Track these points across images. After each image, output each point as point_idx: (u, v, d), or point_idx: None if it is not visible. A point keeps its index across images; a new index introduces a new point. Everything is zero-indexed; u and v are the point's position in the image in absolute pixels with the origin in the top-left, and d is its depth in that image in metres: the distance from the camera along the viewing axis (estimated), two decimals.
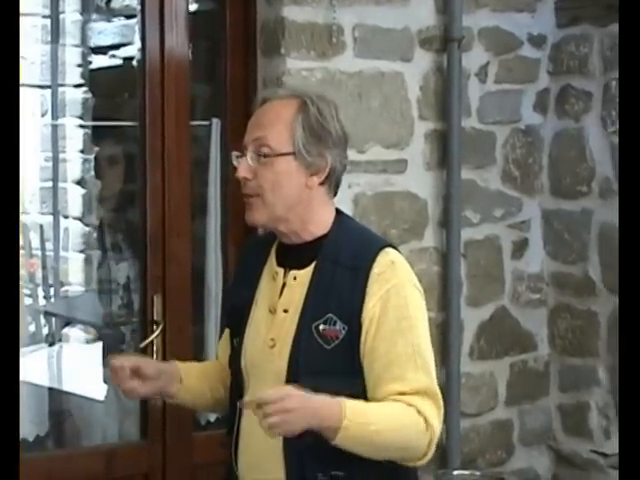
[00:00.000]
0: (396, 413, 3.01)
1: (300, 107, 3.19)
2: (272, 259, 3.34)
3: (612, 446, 5.74)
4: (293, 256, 3.28)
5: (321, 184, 3.21)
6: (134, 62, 5.34)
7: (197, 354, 5.37)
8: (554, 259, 5.93)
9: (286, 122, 3.15)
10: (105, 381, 4.96)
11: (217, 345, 3.71)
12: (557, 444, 6.08)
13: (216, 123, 5.34)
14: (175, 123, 5.16)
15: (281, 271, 3.28)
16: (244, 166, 3.21)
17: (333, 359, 3.13)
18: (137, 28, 5.34)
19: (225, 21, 5.28)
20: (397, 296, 3.11)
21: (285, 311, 3.24)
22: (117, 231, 5.70)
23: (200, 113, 5.50)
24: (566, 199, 5.86)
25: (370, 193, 5.34)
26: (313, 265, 3.25)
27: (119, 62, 5.47)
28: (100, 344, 5.82)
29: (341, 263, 3.22)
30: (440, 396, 3.09)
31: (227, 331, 3.46)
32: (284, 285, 3.27)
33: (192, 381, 3.46)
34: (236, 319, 3.40)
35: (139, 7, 5.21)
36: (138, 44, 5.30)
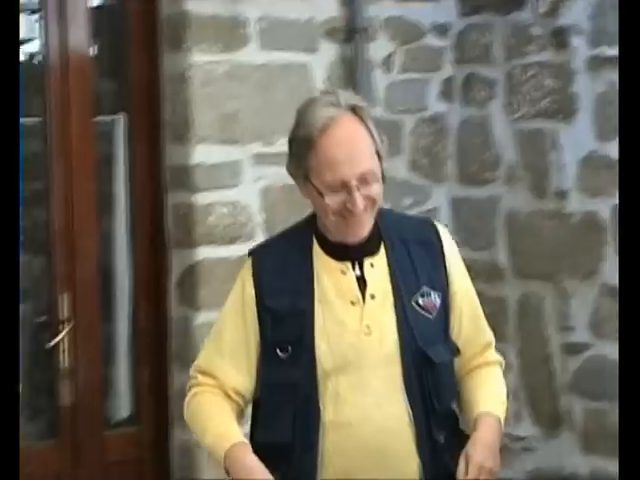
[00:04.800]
0: (499, 383, 3.34)
1: (365, 127, 3.21)
2: (322, 258, 3.30)
3: (524, 429, 5.85)
4: (357, 248, 3.27)
5: None
6: (37, 58, 5.38)
7: (107, 352, 5.41)
8: (463, 246, 5.95)
9: (371, 149, 3.17)
10: None
11: (221, 372, 3.30)
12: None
13: (121, 118, 5.40)
14: (79, 119, 5.21)
15: (349, 264, 3.28)
16: (360, 202, 3.16)
17: (437, 327, 3.25)
18: (39, 24, 5.33)
19: (128, 15, 5.34)
20: (461, 262, 3.36)
21: (372, 297, 3.26)
22: (23, 231, 5.60)
23: (106, 109, 5.48)
24: (473, 186, 5.98)
25: (278, 185, 5.34)
26: (382, 249, 3.30)
27: (22, 58, 5.40)
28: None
29: (408, 240, 3.31)
30: None
31: (248, 352, 3.27)
32: (361, 275, 3.28)
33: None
34: (291, 330, 3.27)
35: (40, 3, 5.23)
36: (41, 40, 5.32)
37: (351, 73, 5.63)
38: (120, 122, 5.41)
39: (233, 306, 3.35)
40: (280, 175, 4.99)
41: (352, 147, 3.16)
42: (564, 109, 5.65)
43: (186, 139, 5.34)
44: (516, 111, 5.81)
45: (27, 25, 5.41)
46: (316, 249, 3.31)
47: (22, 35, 5.43)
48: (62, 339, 5.16)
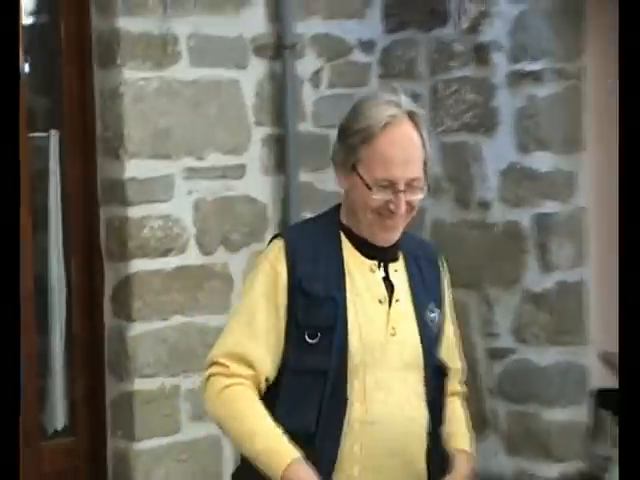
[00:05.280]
0: (466, 417, 3.41)
1: (419, 134, 3.19)
2: (351, 251, 3.26)
3: None
4: (384, 251, 3.26)
5: None
6: None
7: (42, 364, 5.40)
8: None
9: (422, 157, 3.17)
10: None
11: (248, 352, 3.16)
12: None
13: (54, 134, 5.39)
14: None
15: (376, 264, 3.26)
16: (403, 205, 3.17)
17: (437, 342, 3.28)
18: None
19: (60, 33, 5.35)
20: (449, 289, 3.41)
21: (397, 301, 3.26)
22: None
23: (40, 125, 5.48)
24: None
25: (210, 198, 5.48)
26: (402, 258, 3.31)
27: None
28: None
29: (418, 255, 3.34)
30: None
31: (278, 337, 3.15)
32: (386, 277, 3.28)
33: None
34: (323, 317, 3.21)
35: None
36: None
37: (280, 89, 5.71)
38: (53, 138, 5.39)
39: (265, 289, 3.19)
40: (211, 189, 5.53)
41: (407, 150, 3.16)
42: (486, 123, 5.75)
43: (119, 154, 5.34)
44: (440, 125, 5.88)
45: None
46: (344, 241, 3.27)
47: None
48: None
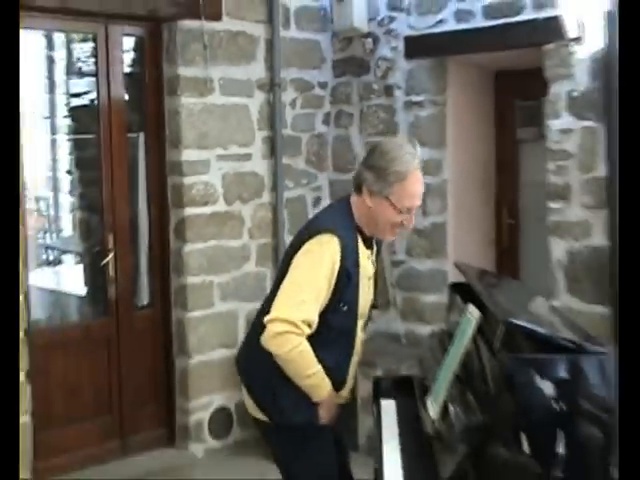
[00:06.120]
0: None
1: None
2: (361, 245, 3.24)
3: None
4: (370, 243, 3.31)
5: None
6: (94, 102, 5.47)
7: (134, 268, 5.66)
8: None
9: None
10: None
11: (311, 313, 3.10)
12: None
13: (141, 135, 5.66)
14: (118, 135, 5.51)
15: (370, 253, 3.31)
16: (412, 221, 3.24)
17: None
18: (95, 82, 5.46)
19: (145, 76, 5.60)
20: None
21: (373, 275, 3.34)
22: (88, 199, 5.81)
23: (133, 129, 5.63)
24: (341, 173, 6.24)
25: (231, 172, 5.76)
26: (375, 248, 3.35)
27: (87, 102, 5.57)
28: (82, 264, 5.99)
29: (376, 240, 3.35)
30: None
31: (322, 300, 3.11)
32: (372, 262, 3.33)
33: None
34: (351, 293, 3.21)
35: (95, 70, 5.42)
36: (95, 93, 5.49)
37: (272, 110, 5.93)
38: (141, 137, 5.65)
39: (326, 272, 3.09)
40: (231, 167, 5.74)
41: (421, 187, 3.18)
42: (391, 131, 5.93)
43: (178, 146, 5.57)
44: (365, 131, 6.10)
45: (88, 83, 5.58)
46: (360, 239, 3.24)
47: (85, 89, 5.60)
48: (109, 260, 5.50)
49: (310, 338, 3.07)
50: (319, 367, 3.12)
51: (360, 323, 3.33)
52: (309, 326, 3.04)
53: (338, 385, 3.28)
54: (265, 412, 3.29)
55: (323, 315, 3.11)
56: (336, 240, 3.11)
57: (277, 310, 3.04)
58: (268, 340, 3.03)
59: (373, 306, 3.47)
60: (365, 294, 3.30)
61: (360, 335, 3.37)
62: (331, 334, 3.20)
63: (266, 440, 3.41)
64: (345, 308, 3.20)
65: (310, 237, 3.14)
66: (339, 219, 3.21)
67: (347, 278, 3.15)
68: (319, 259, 3.09)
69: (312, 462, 3.27)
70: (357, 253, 3.20)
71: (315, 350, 3.10)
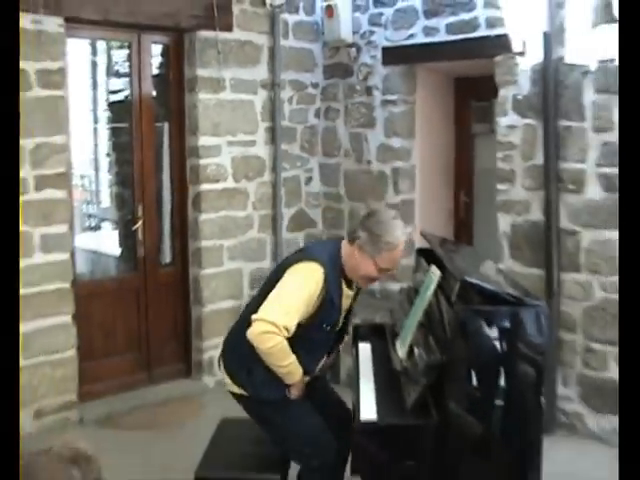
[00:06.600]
0: None
1: None
2: (343, 285, 3.18)
3: None
4: (352, 285, 3.25)
5: None
6: (128, 97, 5.47)
7: (159, 232, 5.63)
8: (323, 185, 6.23)
9: None
10: None
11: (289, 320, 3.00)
12: None
13: (166, 125, 5.60)
14: (147, 125, 5.48)
15: (350, 292, 3.26)
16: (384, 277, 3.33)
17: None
18: (129, 82, 5.46)
19: (169, 76, 5.58)
20: None
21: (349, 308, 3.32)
22: (122, 177, 5.77)
23: (159, 120, 5.60)
24: (329, 158, 6.19)
25: (239, 156, 5.71)
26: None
27: (122, 98, 5.55)
28: (117, 230, 5.91)
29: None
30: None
31: (301, 314, 3.04)
32: (350, 299, 3.30)
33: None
34: (333, 316, 3.16)
35: (129, 72, 5.44)
36: (129, 90, 5.48)
37: (273, 105, 5.87)
38: (165, 126, 5.62)
39: (310, 293, 3.02)
40: (239, 151, 5.66)
41: (401, 256, 3.16)
42: (370, 124, 5.88)
43: (196, 134, 5.52)
44: (349, 123, 6.03)
45: (123, 83, 5.56)
46: (343, 279, 3.17)
47: (121, 87, 5.54)
48: (138, 226, 5.48)
49: (292, 339, 3.02)
50: (293, 358, 3.06)
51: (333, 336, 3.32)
52: (287, 331, 2.97)
53: (309, 372, 3.26)
54: (241, 387, 3.24)
55: (308, 330, 3.09)
56: (322, 271, 3.05)
57: (265, 312, 2.97)
58: (254, 335, 2.97)
59: (343, 332, 3.44)
60: (338, 323, 3.31)
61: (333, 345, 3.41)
62: (313, 344, 3.20)
63: (244, 409, 3.35)
64: (327, 328, 3.17)
65: (302, 261, 3.08)
66: (328, 257, 3.13)
67: (331, 305, 3.10)
68: (306, 280, 3.03)
69: (286, 427, 3.20)
70: (340, 288, 3.15)
71: (294, 349, 3.05)
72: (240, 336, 3.08)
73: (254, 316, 2.97)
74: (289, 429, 3.16)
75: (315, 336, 3.13)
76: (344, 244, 3.17)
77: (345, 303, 3.20)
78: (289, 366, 3.05)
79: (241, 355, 3.15)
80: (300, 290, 3.00)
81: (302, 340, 3.05)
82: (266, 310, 2.97)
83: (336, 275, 3.10)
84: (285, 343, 2.97)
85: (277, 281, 3.06)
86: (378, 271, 3.09)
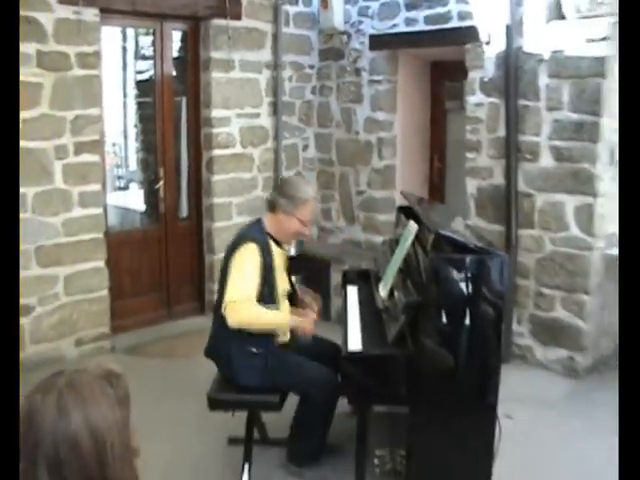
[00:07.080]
0: None
1: None
2: (273, 245, 3.18)
3: (339, 223, 6.07)
4: (281, 246, 3.26)
5: None
6: (152, 76, 5.40)
7: (178, 190, 5.54)
8: (318, 152, 6.12)
9: None
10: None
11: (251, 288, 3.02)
12: None
13: (184, 99, 5.50)
14: (168, 99, 5.40)
15: (282, 250, 3.25)
16: (309, 231, 3.29)
17: None
18: (153, 63, 5.40)
19: (187, 57, 5.47)
20: None
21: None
22: (147, 144, 5.65)
23: (178, 94, 5.50)
24: (323, 128, 6.10)
25: (246, 126, 5.63)
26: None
27: (147, 77, 5.49)
28: (142, 189, 5.79)
29: None
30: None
31: (255, 284, 3.03)
32: (284, 258, 3.27)
33: None
34: (272, 279, 3.13)
35: (153, 55, 5.37)
36: (153, 70, 5.41)
37: (275, 83, 5.79)
38: (183, 101, 5.52)
39: (254, 263, 3.03)
40: (246, 122, 5.57)
41: (314, 209, 3.23)
42: (358, 100, 5.81)
43: (209, 107, 5.44)
44: (341, 99, 5.94)
45: (148, 64, 5.49)
46: (272, 243, 3.17)
47: (146, 68, 5.50)
48: (160, 186, 5.41)
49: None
50: (269, 313, 3.03)
51: (282, 299, 3.24)
52: (249, 300, 2.96)
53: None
54: (225, 374, 3.25)
55: (264, 302, 3.07)
56: (255, 246, 3.06)
57: (228, 297, 2.97)
58: (231, 320, 2.95)
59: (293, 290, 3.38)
60: (282, 281, 3.24)
61: (286, 305, 3.30)
62: (263, 302, 3.11)
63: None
64: (269, 288, 3.13)
65: (240, 245, 3.08)
66: (255, 233, 3.13)
67: (269, 269, 3.10)
68: (248, 259, 3.04)
69: (290, 379, 3.16)
70: (271, 253, 3.14)
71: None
72: (219, 330, 3.09)
73: (223, 305, 2.96)
74: (293, 380, 3.14)
75: (264, 300, 3.08)
76: (266, 217, 3.19)
77: (279, 260, 3.18)
78: (274, 317, 3.04)
79: (222, 348, 3.13)
80: (248, 266, 3.00)
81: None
82: (229, 294, 2.96)
83: (266, 242, 3.10)
84: (257, 306, 2.96)
85: (228, 269, 3.06)
86: (302, 223, 3.11)
